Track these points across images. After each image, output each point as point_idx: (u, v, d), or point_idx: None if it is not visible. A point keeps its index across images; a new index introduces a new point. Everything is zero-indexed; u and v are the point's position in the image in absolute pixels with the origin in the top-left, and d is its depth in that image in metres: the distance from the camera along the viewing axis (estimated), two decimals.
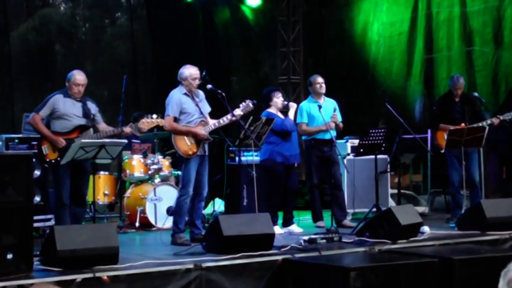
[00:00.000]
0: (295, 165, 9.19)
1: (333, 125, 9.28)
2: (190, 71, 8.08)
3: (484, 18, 12.07)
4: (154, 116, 8.11)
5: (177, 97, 8.06)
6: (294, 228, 9.02)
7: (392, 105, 9.52)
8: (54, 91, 8.08)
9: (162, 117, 8.09)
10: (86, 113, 7.89)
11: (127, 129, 7.96)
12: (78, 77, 7.86)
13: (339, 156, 9.46)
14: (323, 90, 9.57)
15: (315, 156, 9.43)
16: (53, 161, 7.71)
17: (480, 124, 9.54)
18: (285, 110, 9.36)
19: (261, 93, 9.42)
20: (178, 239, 7.88)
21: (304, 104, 9.66)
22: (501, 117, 9.64)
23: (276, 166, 8.98)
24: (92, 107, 8.00)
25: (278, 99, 9.14)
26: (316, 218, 9.59)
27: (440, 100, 10.35)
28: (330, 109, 9.51)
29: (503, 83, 11.93)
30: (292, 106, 9.32)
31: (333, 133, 9.28)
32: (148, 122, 8.06)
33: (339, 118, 9.44)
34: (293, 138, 9.17)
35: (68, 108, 7.81)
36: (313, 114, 9.42)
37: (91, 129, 7.93)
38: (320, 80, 9.60)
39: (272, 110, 9.11)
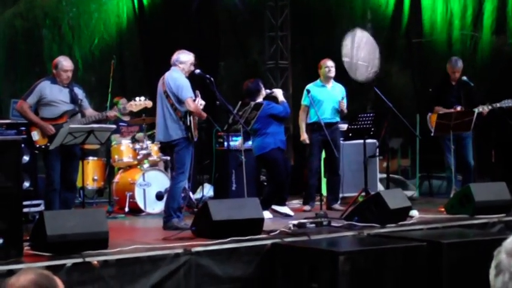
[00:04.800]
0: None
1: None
2: (192, 56, 8.02)
3: (465, 1, 12.02)
4: (143, 98, 8.10)
5: (187, 80, 7.89)
6: (287, 210, 8.96)
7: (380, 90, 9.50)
8: (42, 76, 8.06)
9: (151, 99, 8.08)
10: (74, 99, 7.89)
11: (111, 114, 7.98)
12: (65, 63, 7.86)
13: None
14: (332, 74, 9.56)
15: (317, 140, 9.42)
16: (43, 146, 7.72)
17: (475, 110, 9.51)
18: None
19: (248, 79, 9.29)
20: (176, 222, 7.78)
21: (311, 86, 9.59)
22: (498, 105, 9.59)
23: (282, 155, 8.90)
24: (79, 93, 8.00)
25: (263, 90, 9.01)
26: (306, 201, 9.59)
27: (437, 83, 10.31)
28: (337, 94, 9.59)
29: (480, 66, 11.86)
30: (279, 91, 9.19)
31: (337, 118, 9.52)
32: (136, 104, 8.06)
33: (345, 105, 9.52)
34: None
35: (55, 95, 7.79)
36: (319, 98, 9.40)
37: (79, 114, 7.92)
38: (330, 63, 9.57)
39: (259, 100, 8.81)
